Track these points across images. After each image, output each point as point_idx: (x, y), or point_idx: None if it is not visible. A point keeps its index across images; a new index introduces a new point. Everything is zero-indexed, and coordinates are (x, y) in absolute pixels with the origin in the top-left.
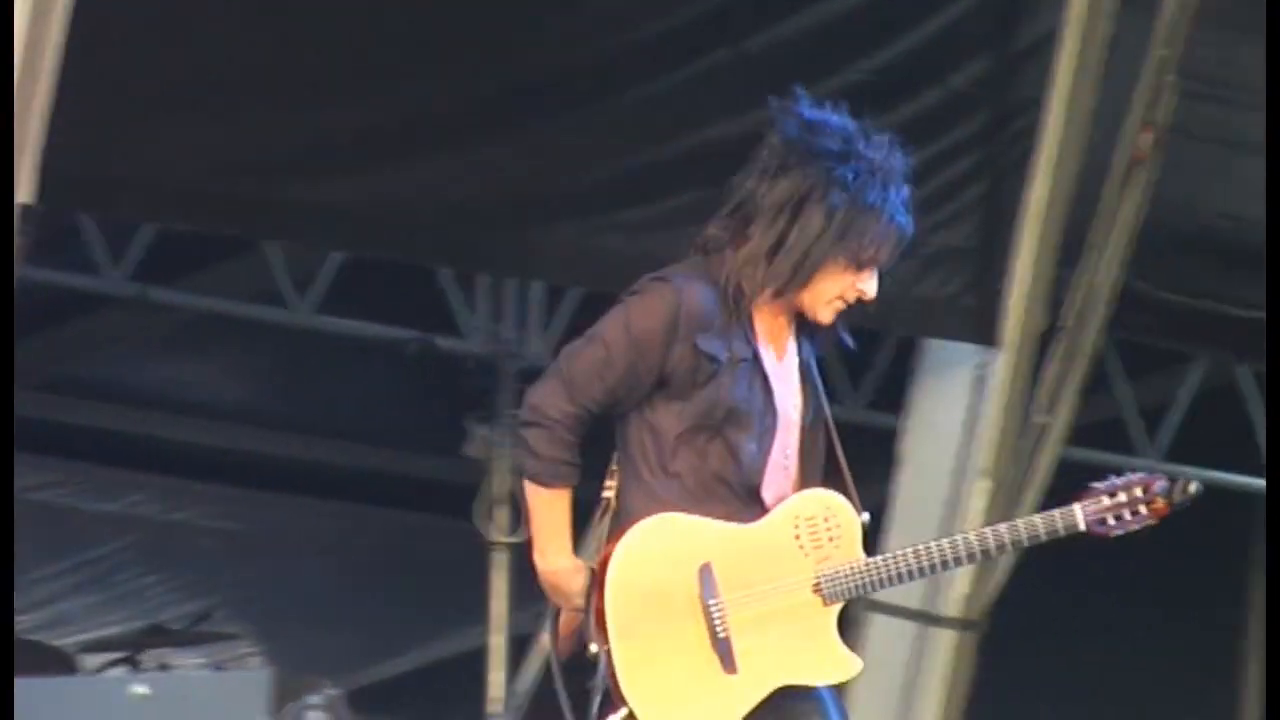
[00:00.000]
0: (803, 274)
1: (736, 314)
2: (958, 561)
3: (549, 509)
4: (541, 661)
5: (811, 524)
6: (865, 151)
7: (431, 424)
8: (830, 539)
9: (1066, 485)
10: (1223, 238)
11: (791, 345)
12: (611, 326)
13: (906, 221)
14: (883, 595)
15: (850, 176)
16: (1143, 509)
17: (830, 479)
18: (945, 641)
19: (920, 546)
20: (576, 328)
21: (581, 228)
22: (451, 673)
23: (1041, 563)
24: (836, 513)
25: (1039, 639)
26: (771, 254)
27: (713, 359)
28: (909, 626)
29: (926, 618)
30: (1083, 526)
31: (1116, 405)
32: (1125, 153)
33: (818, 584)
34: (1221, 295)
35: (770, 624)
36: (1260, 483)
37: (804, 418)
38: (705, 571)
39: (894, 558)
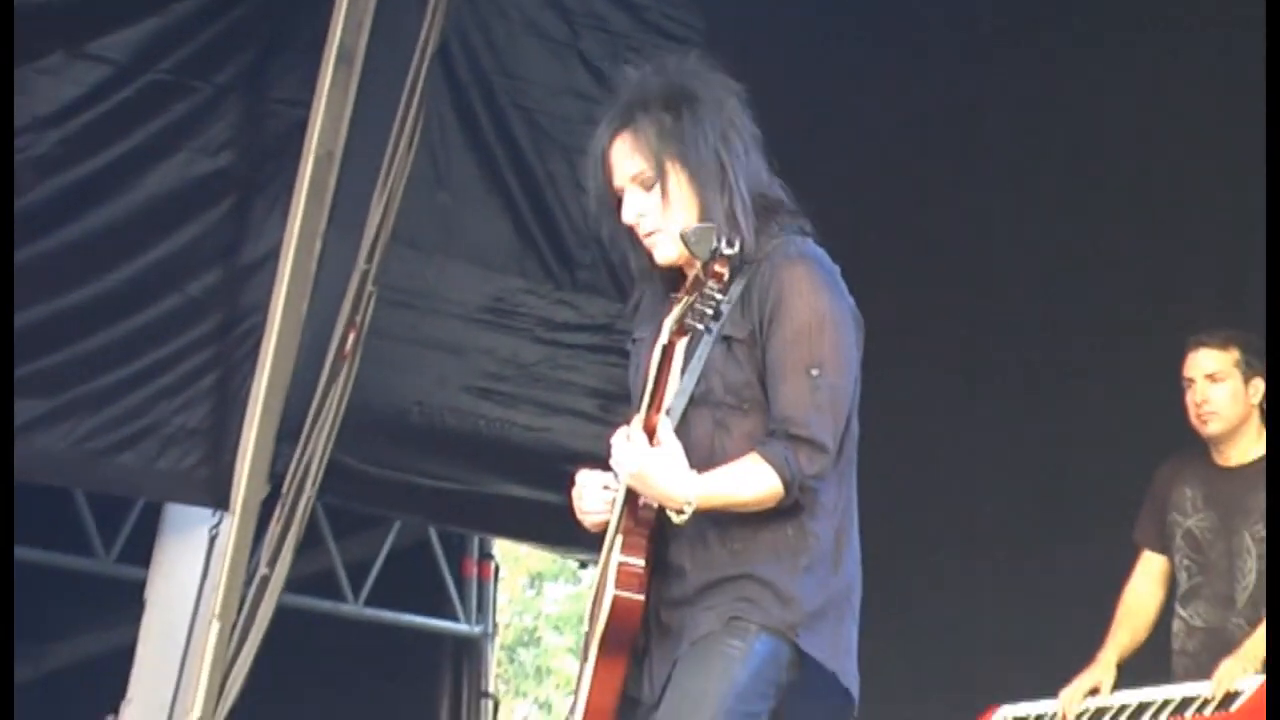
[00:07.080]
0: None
1: (663, 283)
2: None
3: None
4: None
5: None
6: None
7: None
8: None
9: (284, 629)
10: (413, 421)
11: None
12: None
13: (600, 137)
14: None
15: None
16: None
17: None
18: None
19: None
20: None
21: None
22: None
23: None
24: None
25: None
26: None
27: (627, 351)
28: None
29: None
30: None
31: (328, 559)
32: (334, 349)
33: None
34: (412, 468)
35: None
36: (447, 624)
37: (705, 393)
38: None
39: None
